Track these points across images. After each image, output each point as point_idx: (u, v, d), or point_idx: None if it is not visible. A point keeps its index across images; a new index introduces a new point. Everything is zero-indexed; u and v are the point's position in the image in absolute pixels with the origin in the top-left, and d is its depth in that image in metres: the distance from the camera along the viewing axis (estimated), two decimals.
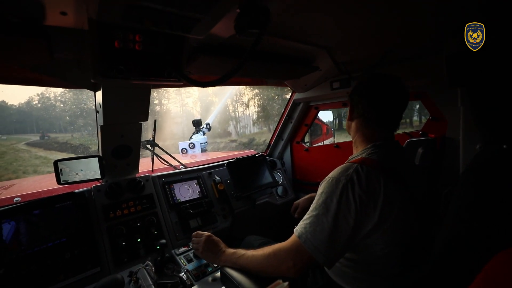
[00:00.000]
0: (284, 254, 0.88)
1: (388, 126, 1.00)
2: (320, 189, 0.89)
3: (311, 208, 0.88)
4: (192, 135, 5.74)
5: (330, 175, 0.90)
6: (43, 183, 2.25)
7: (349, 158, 1.05)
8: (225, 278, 1.05)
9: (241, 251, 1.04)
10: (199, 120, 5.87)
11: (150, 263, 1.21)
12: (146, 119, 1.31)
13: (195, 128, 5.78)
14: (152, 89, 1.23)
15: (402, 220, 0.84)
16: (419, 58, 1.46)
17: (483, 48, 1.03)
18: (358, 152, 1.02)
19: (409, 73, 1.54)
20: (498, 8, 0.91)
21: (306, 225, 0.86)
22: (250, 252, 1.00)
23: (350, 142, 2.16)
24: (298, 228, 0.88)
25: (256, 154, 2.15)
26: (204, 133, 5.78)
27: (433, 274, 0.70)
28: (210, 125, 6.12)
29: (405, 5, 0.85)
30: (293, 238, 0.89)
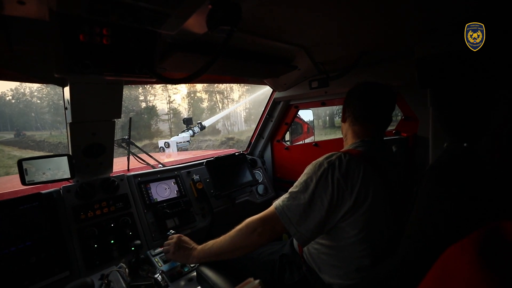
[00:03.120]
0: (255, 223, 0.95)
1: (376, 124, 1.07)
2: (304, 171, 0.97)
3: (293, 186, 0.95)
4: (180, 133, 5.66)
5: (316, 160, 0.97)
6: (9, 184, 2.12)
7: None
8: (201, 278, 1.04)
9: (210, 242, 1.06)
10: (190, 119, 5.81)
11: (123, 265, 1.17)
12: (119, 117, 1.26)
13: (186, 126, 5.70)
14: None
15: (377, 208, 0.89)
16: (393, 60, 1.51)
17: (449, 53, 1.08)
18: (347, 146, 1.09)
19: (384, 75, 1.59)
20: (466, 15, 0.96)
21: (285, 199, 0.93)
22: (222, 236, 1.03)
23: (329, 140, 2.22)
24: (276, 202, 0.95)
25: (236, 152, 2.14)
26: (194, 132, 5.73)
27: (400, 270, 0.73)
28: (203, 125, 6.06)
29: (378, 9, 0.88)
30: (269, 209, 0.96)
